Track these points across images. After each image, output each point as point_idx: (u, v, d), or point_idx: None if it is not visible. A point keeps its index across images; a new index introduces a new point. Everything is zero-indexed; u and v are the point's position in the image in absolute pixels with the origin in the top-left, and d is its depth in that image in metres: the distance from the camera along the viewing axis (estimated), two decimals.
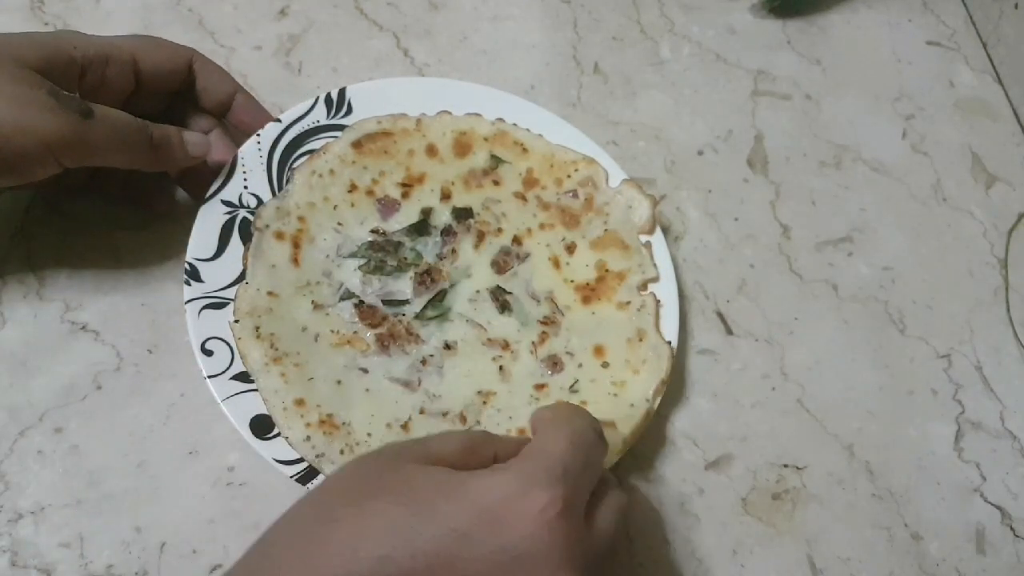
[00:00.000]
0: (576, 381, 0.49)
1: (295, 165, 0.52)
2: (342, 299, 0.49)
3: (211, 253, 0.48)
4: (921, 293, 0.59)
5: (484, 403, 0.48)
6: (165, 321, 0.49)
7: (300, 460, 0.44)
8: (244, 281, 0.48)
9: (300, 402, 0.45)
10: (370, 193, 0.53)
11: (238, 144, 0.51)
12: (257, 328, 0.46)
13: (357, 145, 0.53)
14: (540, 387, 0.49)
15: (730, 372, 0.54)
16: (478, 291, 0.51)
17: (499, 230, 0.53)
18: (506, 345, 0.50)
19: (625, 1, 0.68)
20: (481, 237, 0.53)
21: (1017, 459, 0.54)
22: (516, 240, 0.53)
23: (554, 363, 0.50)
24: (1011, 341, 0.58)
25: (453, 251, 0.52)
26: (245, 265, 0.48)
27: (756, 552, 0.49)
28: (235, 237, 0.49)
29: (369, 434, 0.45)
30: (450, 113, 0.55)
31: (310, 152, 0.52)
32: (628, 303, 0.51)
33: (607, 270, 0.53)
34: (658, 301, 0.52)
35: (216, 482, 0.46)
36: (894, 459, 0.53)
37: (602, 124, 0.62)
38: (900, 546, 0.51)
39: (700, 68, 0.66)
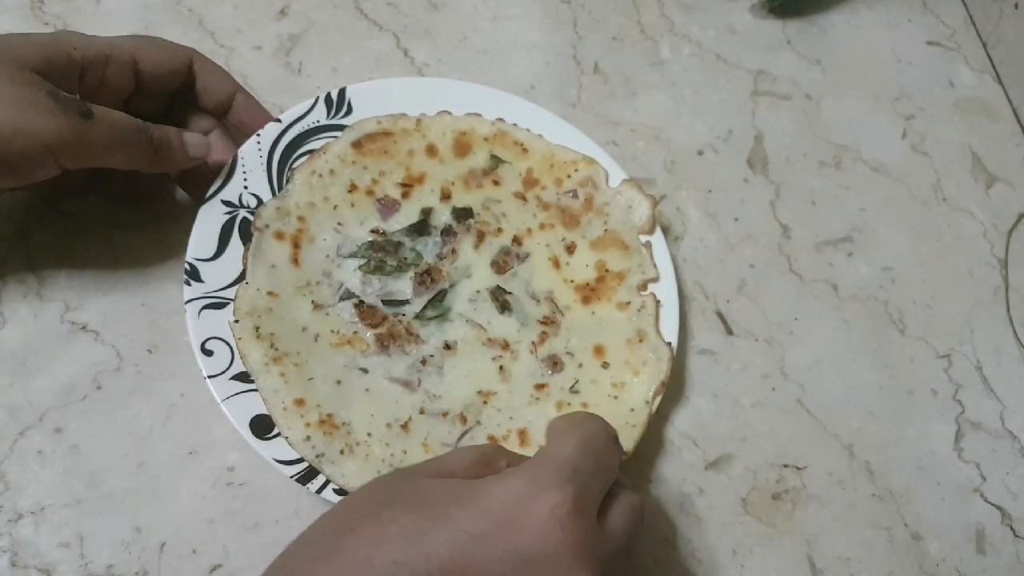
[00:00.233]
0: (576, 381, 0.49)
1: (295, 165, 0.52)
2: (342, 299, 0.49)
3: (211, 253, 0.48)
4: (921, 293, 0.59)
5: (484, 403, 0.48)
6: (165, 321, 0.50)
7: (300, 460, 0.44)
8: (244, 281, 0.48)
9: (300, 402, 0.45)
10: (370, 193, 0.53)
11: (238, 144, 0.51)
12: (257, 328, 0.46)
13: (357, 145, 0.53)
14: (540, 387, 0.49)
15: (730, 372, 0.54)
16: (478, 291, 0.51)
17: (499, 230, 0.53)
18: (506, 345, 0.50)
19: (625, 1, 0.68)
20: (481, 237, 0.53)
21: (1017, 459, 0.54)
22: (516, 240, 0.53)
23: (554, 363, 0.50)
24: (1011, 341, 0.58)
25: (453, 251, 0.52)
26: (245, 265, 0.48)
27: (756, 552, 0.49)
28: (235, 237, 0.49)
29: (369, 434, 0.45)
30: (450, 113, 0.55)
31: (310, 152, 0.52)
32: (628, 303, 0.51)
33: (607, 270, 0.53)
34: (658, 301, 0.52)
35: (216, 482, 0.46)
36: (894, 459, 0.53)
37: (602, 124, 0.62)
38: (900, 546, 0.51)
39: (700, 68, 0.66)
